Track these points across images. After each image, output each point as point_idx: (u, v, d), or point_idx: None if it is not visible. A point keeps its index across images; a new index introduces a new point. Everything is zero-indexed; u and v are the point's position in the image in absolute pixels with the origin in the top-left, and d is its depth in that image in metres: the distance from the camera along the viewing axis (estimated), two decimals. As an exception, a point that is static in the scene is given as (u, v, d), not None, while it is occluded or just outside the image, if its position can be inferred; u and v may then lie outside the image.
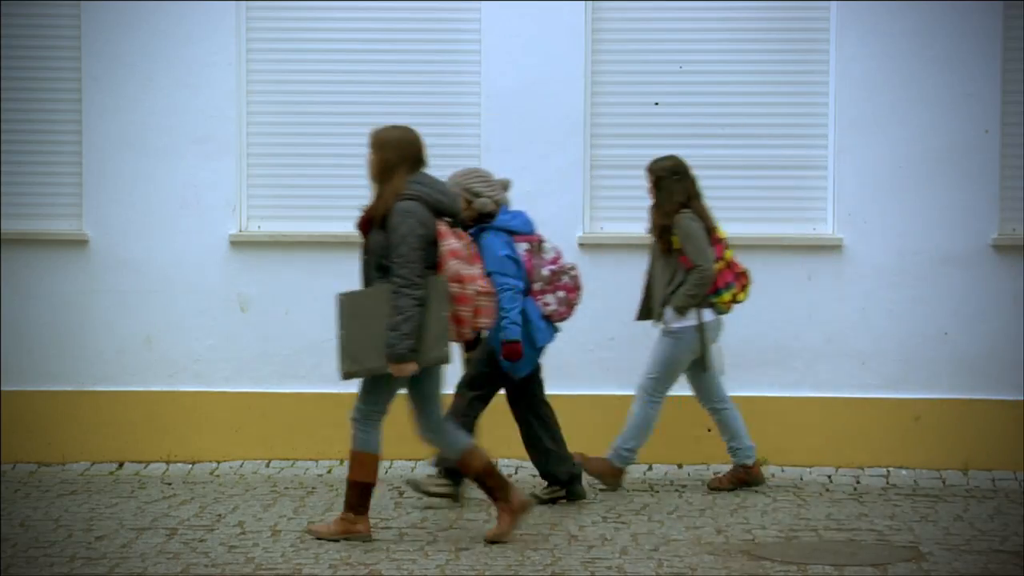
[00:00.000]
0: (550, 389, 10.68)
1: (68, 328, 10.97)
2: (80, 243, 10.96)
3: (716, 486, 10.18)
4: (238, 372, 10.92)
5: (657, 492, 10.15)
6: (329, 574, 7.91)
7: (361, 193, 10.90)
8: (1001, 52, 10.75)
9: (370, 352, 8.32)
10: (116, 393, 10.94)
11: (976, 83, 10.75)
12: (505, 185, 9.64)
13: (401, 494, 9.94)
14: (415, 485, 9.59)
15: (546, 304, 9.53)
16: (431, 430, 8.66)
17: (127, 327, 10.96)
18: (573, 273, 9.66)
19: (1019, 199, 10.81)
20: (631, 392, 10.76)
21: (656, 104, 10.95)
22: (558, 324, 9.67)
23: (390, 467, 10.69)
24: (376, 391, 8.47)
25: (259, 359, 10.87)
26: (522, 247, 9.51)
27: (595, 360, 10.87)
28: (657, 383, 10.08)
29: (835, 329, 10.88)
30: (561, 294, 9.58)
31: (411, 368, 8.30)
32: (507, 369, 9.50)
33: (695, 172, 10.06)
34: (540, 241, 9.60)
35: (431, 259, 8.32)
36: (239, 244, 10.92)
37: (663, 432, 10.73)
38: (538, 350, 9.58)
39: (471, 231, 9.07)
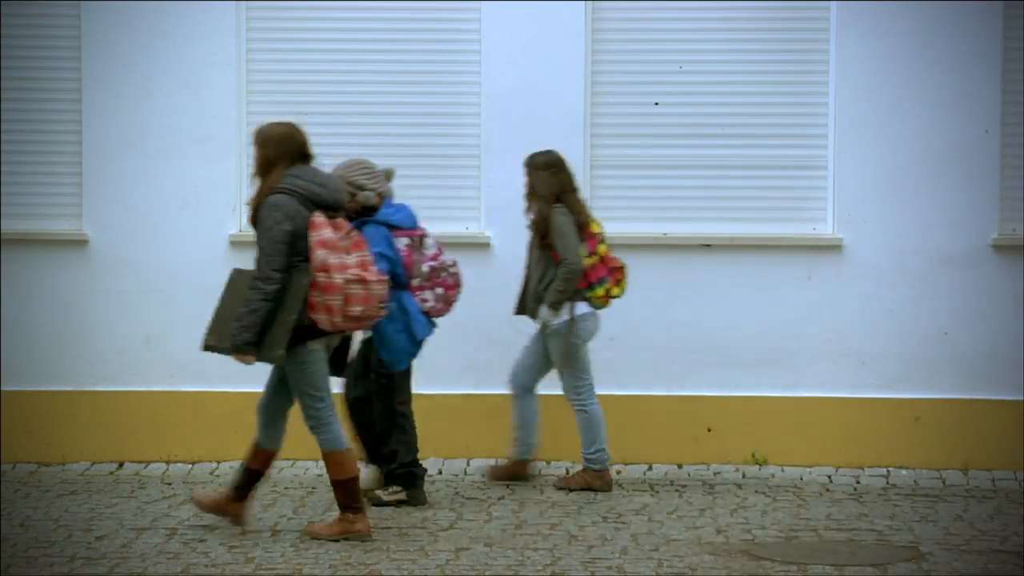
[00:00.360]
0: (552, 389, 10.69)
1: (68, 328, 10.97)
2: (80, 243, 10.96)
3: (495, 476, 10.28)
4: (238, 372, 10.86)
5: (657, 492, 10.15)
6: (329, 574, 7.91)
7: (361, 193, 10.93)
8: (1001, 52, 10.75)
9: (229, 333, 8.45)
10: (116, 393, 10.94)
11: (976, 83, 10.75)
12: (389, 175, 9.64)
13: (401, 494, 9.94)
14: (375, 499, 9.57)
15: (424, 300, 9.54)
16: (266, 413, 8.79)
17: (127, 327, 10.96)
18: (453, 270, 9.66)
19: (1019, 199, 10.81)
20: (632, 392, 10.80)
21: (656, 104, 10.95)
22: (435, 320, 9.72)
23: (390, 467, 10.70)
24: (311, 393, 8.55)
25: (259, 359, 10.86)
26: (403, 242, 9.50)
27: (595, 360, 10.85)
28: (574, 380, 10.11)
29: (835, 329, 10.88)
30: (439, 291, 9.59)
31: (249, 360, 8.45)
32: (386, 362, 9.51)
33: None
34: (422, 236, 9.59)
35: (305, 252, 8.37)
36: (239, 244, 10.91)
37: (663, 432, 10.75)
38: (418, 343, 9.59)
39: (353, 224, 8.99)
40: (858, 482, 10.53)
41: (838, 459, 10.83)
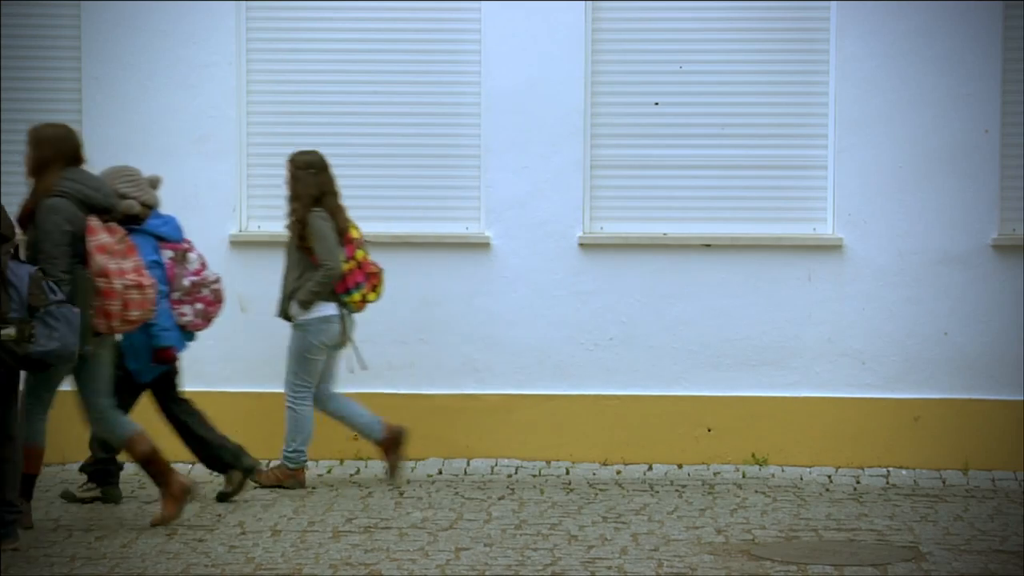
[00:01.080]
0: (552, 389, 10.71)
1: (68, 328, 10.95)
2: (80, 243, 10.95)
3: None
4: (238, 372, 10.92)
5: (657, 492, 10.15)
6: (329, 574, 7.91)
7: (361, 193, 10.95)
8: (1001, 52, 10.75)
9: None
10: (116, 393, 10.93)
11: (976, 83, 10.75)
12: (154, 183, 9.63)
13: (401, 494, 9.95)
14: (68, 496, 9.64)
15: (182, 314, 9.53)
16: (95, 419, 8.86)
17: (127, 327, 10.95)
18: (215, 287, 9.68)
19: (1019, 199, 10.81)
20: (632, 392, 10.80)
21: (656, 104, 10.95)
22: (194, 333, 9.72)
23: (390, 467, 10.72)
24: (37, 385, 8.62)
25: (259, 359, 10.86)
26: (166, 254, 9.49)
27: (595, 360, 10.87)
28: (296, 377, 10.13)
29: (835, 329, 10.87)
30: (199, 306, 9.58)
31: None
32: (132, 372, 9.50)
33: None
34: (186, 250, 9.59)
35: (81, 255, 8.44)
36: (239, 244, 10.93)
37: (663, 432, 10.76)
38: None
39: None
40: (858, 482, 10.53)
41: (838, 459, 10.83)
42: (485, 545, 8.55)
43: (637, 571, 7.99)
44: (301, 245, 10.03)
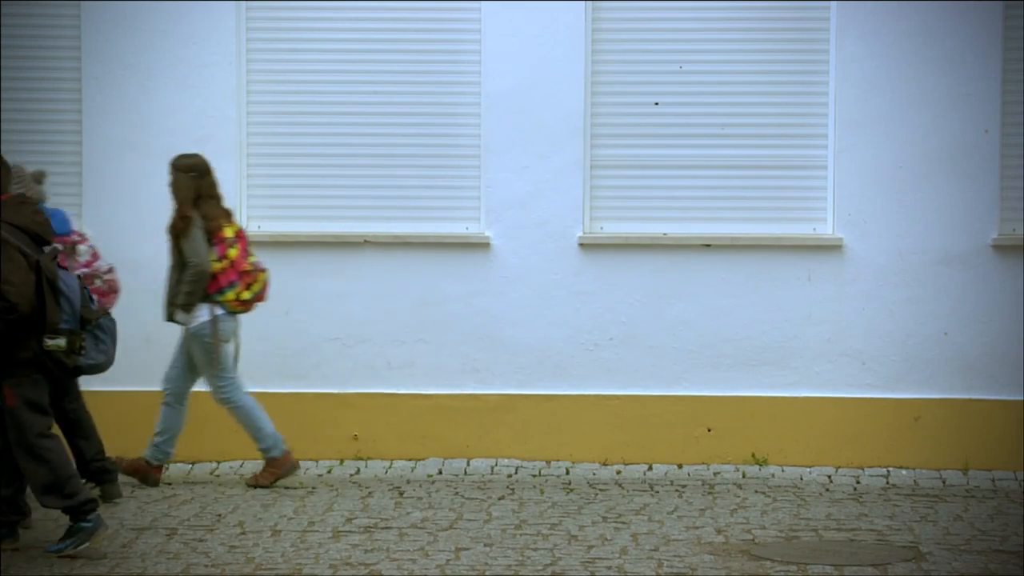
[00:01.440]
0: (552, 389, 10.71)
1: (68, 328, 10.95)
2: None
3: (123, 468, 10.14)
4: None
5: (657, 492, 10.15)
6: (329, 574, 7.91)
7: (362, 193, 10.96)
8: (1001, 52, 10.75)
9: None
10: (115, 393, 10.91)
11: (976, 83, 10.75)
12: (39, 178, 9.56)
13: (401, 494, 9.95)
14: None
15: None
16: None
17: (127, 327, 10.85)
18: (108, 277, 9.67)
19: (1019, 199, 10.81)
20: (631, 392, 10.80)
21: (656, 104, 10.95)
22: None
23: (390, 467, 10.72)
24: None
25: (259, 359, 10.84)
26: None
27: (595, 360, 10.87)
28: (216, 379, 10.10)
29: (835, 329, 10.87)
30: (93, 297, 9.56)
31: None
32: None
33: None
34: (76, 242, 9.55)
35: None
36: (239, 244, 10.92)
37: (663, 432, 10.76)
38: None
39: None
40: (858, 482, 10.53)
41: (838, 459, 10.83)
42: (485, 545, 8.55)
43: (637, 571, 7.99)
44: (179, 247, 10.02)
